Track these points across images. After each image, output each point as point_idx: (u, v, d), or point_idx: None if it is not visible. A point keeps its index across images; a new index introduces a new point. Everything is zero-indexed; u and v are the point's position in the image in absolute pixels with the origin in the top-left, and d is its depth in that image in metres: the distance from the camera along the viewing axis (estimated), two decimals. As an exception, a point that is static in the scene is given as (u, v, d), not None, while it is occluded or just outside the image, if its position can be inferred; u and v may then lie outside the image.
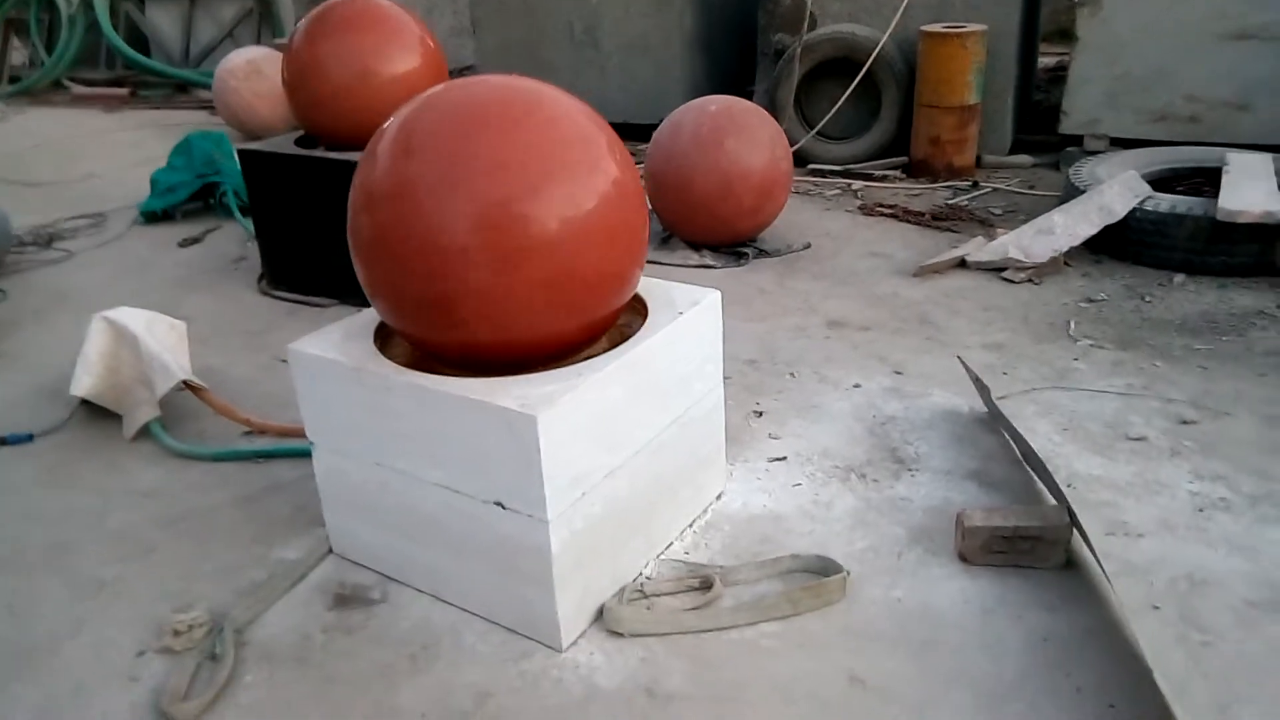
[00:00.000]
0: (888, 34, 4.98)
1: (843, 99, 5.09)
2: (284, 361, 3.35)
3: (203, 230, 4.86)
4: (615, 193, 1.96)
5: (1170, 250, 3.68)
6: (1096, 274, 3.77)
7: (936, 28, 4.87)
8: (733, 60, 6.31)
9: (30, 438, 2.91)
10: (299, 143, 3.92)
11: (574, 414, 1.85)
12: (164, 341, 2.87)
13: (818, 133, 5.21)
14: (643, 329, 2.09)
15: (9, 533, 2.48)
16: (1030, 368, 3.06)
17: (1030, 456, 2.44)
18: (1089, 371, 3.03)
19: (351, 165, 3.54)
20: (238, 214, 4.85)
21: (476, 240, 1.87)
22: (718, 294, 2.29)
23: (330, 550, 2.32)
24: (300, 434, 2.79)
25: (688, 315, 2.17)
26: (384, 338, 2.18)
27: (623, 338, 2.16)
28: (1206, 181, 3.95)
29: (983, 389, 2.67)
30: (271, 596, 2.17)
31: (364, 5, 3.76)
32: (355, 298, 3.71)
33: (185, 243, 4.71)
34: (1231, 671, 1.84)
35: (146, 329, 2.86)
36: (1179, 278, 3.64)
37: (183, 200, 5.06)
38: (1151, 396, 2.85)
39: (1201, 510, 2.32)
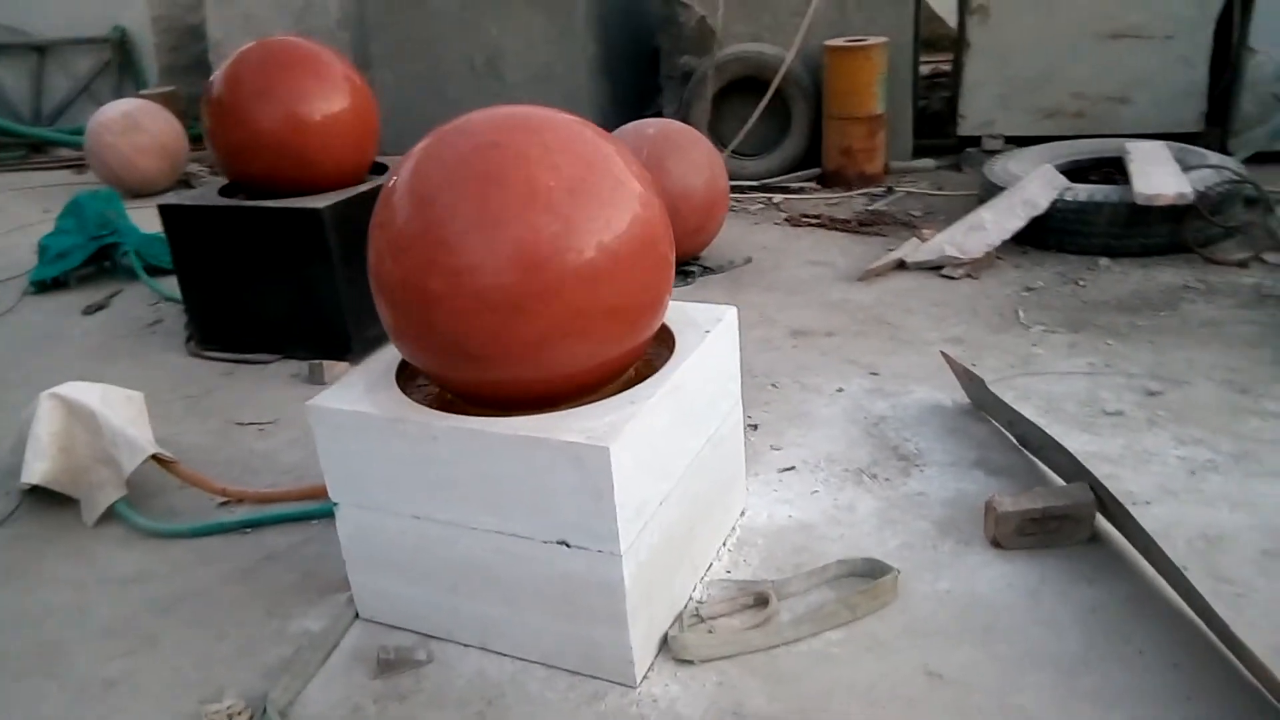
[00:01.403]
0: (794, 51, 5.13)
1: (755, 116, 5.20)
2: (241, 425, 3.20)
3: (106, 295, 4.55)
4: (645, 215, 1.94)
5: (1091, 236, 3.92)
6: (1027, 264, 3.97)
7: (840, 42, 5.05)
8: (633, 85, 6.37)
9: (-25, 534, 2.65)
10: (224, 192, 3.73)
11: (636, 443, 1.81)
12: (123, 415, 2.67)
13: (733, 151, 5.31)
14: (678, 351, 2.08)
15: (-20, 640, 2.25)
16: (995, 357, 3.19)
17: (1032, 439, 2.53)
18: (1049, 355, 3.18)
19: (284, 213, 3.47)
20: (143, 275, 4.57)
21: (511, 278, 1.82)
22: (734, 310, 2.29)
23: (357, 615, 2.20)
24: (283, 498, 2.68)
25: (714, 334, 2.16)
26: (401, 383, 2.09)
27: (645, 363, 2.14)
28: (1114, 170, 4.22)
29: (975, 380, 2.76)
30: (307, 671, 2.03)
31: (285, 46, 3.64)
32: (300, 351, 3.59)
33: (90, 310, 4.40)
34: (1271, 617, 1.96)
35: (102, 403, 2.65)
36: (1104, 261, 3.87)
37: (78, 265, 4.71)
38: (1114, 373, 3.02)
39: (1194, 473, 2.47)
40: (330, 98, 3.56)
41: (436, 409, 1.97)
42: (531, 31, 5.77)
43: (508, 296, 1.81)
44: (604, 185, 1.91)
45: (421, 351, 1.97)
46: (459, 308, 1.83)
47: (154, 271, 4.66)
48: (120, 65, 8.38)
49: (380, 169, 3.89)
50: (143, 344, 3.98)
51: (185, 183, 6.61)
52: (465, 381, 1.97)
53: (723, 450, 2.28)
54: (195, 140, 7.04)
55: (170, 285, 4.47)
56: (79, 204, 4.80)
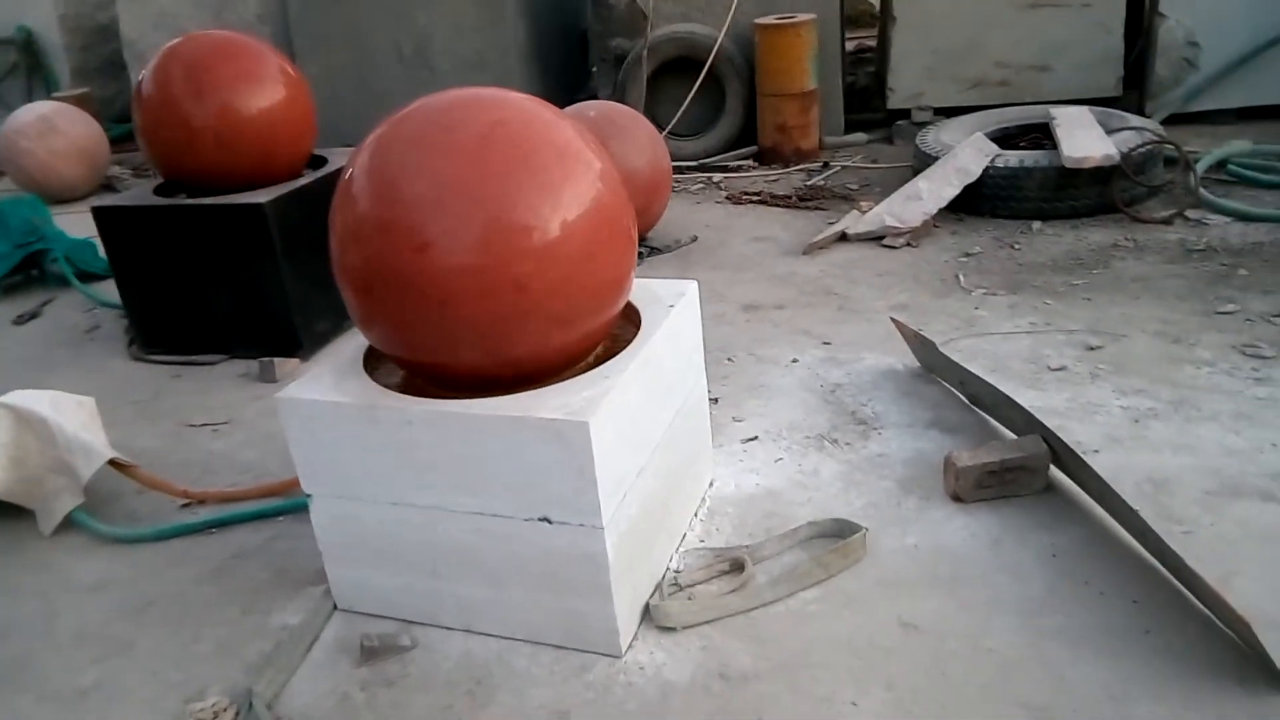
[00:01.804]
0: (724, 30, 5.18)
1: (689, 97, 5.25)
2: (194, 426, 3.15)
3: (37, 304, 4.41)
4: (607, 192, 1.96)
5: (1024, 200, 4.05)
6: (963, 230, 4.09)
7: (770, 20, 5.12)
8: (564, 69, 6.37)
9: (-75, 552, 2.57)
10: (159, 192, 3.64)
11: (614, 417, 1.84)
12: (76, 421, 2.61)
13: (670, 132, 5.34)
14: (645, 326, 2.11)
15: (-57, 659, 2.19)
16: (940, 320, 3.29)
17: (984, 397, 2.63)
18: (991, 317, 3.29)
19: (225, 210, 3.40)
20: (75, 281, 4.43)
21: (479, 259, 1.83)
22: (695, 284, 2.33)
23: (335, 606, 2.19)
24: (247, 496, 2.65)
25: (678, 308, 2.20)
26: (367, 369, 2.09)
27: (611, 339, 2.17)
28: (1042, 136, 4.36)
29: (926, 344, 2.85)
30: (290, 664, 2.02)
31: (216, 40, 3.58)
32: (247, 349, 3.53)
33: (21, 319, 4.26)
34: (1216, 552, 2.07)
35: (53, 410, 2.59)
36: (1036, 224, 4.01)
37: (4, 274, 4.56)
38: (1054, 330, 3.14)
39: (1137, 421, 2.58)
40: (265, 91, 3.50)
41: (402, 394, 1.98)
42: (461, 18, 5.73)
43: (476, 277, 1.82)
44: (567, 162, 1.92)
45: (390, 337, 1.97)
46: (427, 290, 1.83)
47: (85, 277, 4.53)
48: (29, 67, 8.08)
49: (319, 161, 3.84)
50: (82, 351, 3.88)
51: (108, 186, 6.41)
52: (436, 365, 1.97)
53: (690, 422, 2.32)
54: (114, 142, 6.85)
55: (104, 290, 4.37)
56: (1, 211, 4.63)
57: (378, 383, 2.03)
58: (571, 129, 2.00)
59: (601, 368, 1.95)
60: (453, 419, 1.86)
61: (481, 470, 1.88)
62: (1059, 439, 2.26)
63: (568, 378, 1.96)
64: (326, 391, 1.97)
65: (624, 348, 2.07)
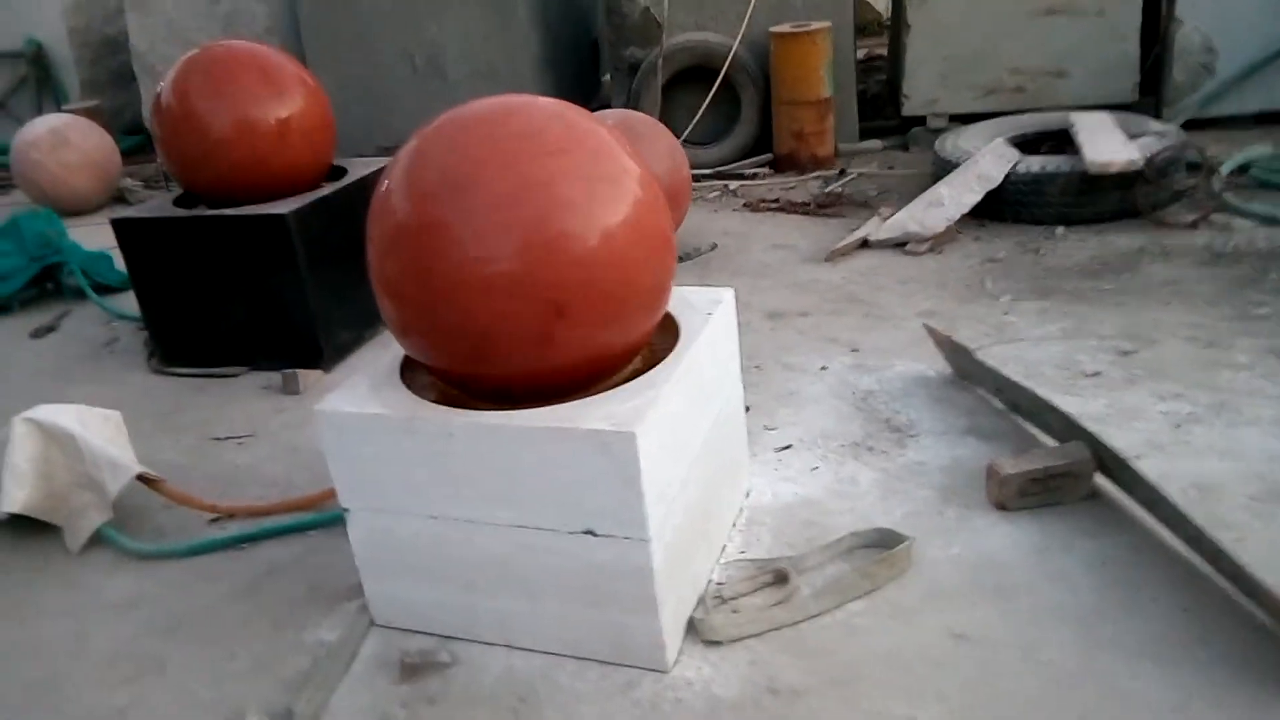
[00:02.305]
0: (739, 38, 5.17)
1: (705, 105, 5.23)
2: (218, 440, 3.12)
3: (54, 317, 4.39)
4: (646, 197, 1.94)
5: (1046, 206, 4.02)
6: (986, 236, 4.06)
7: (785, 28, 5.10)
8: (577, 78, 6.35)
9: (-50, 570, 2.54)
10: (178, 203, 3.62)
11: (659, 427, 1.81)
12: (103, 435, 2.58)
13: (685, 140, 5.32)
14: (684, 333, 2.08)
15: (-27, 678, 2.16)
16: (969, 327, 3.26)
17: (1022, 404, 2.59)
18: (1021, 323, 3.26)
19: (247, 221, 3.38)
20: (92, 293, 4.41)
21: (519, 267, 1.80)
22: (731, 292, 2.31)
23: (372, 622, 2.16)
24: (276, 510, 2.62)
25: (716, 315, 2.17)
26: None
27: (649, 349, 2.14)
28: (1063, 142, 4.34)
29: (960, 350, 2.82)
30: (329, 682, 1.99)
31: (235, 50, 3.56)
32: (269, 361, 3.50)
33: (39, 333, 4.23)
34: (1270, 558, 2.02)
35: (80, 424, 2.56)
36: (1059, 229, 3.98)
37: (20, 288, 4.54)
38: (1087, 336, 3.10)
39: (1178, 426, 2.55)
40: (284, 100, 3.49)
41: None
42: (473, 28, 5.72)
43: (517, 285, 1.80)
44: (607, 167, 1.90)
45: (428, 347, 1.94)
46: (467, 299, 1.81)
47: (101, 290, 4.51)
48: (38, 80, 8.08)
49: (339, 172, 3.82)
50: (101, 364, 3.85)
51: (120, 199, 6.40)
52: (475, 375, 1.94)
53: (728, 431, 2.29)
54: (125, 155, 6.83)
55: (120, 303, 4.35)
56: (16, 225, 4.61)
57: (414, 394, 2.01)
58: (608, 134, 1.98)
59: (645, 377, 1.92)
60: (494, 431, 1.83)
61: (523, 483, 1.85)
62: (1105, 445, 2.23)
63: (608, 388, 1.93)
64: (364, 403, 1.94)
65: (661, 357, 2.05)
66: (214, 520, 2.64)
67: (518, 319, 1.82)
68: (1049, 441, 2.51)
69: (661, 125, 4.11)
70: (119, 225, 3.53)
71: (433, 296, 1.84)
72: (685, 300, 2.23)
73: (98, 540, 2.56)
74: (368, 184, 3.75)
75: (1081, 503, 2.28)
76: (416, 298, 1.86)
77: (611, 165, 1.91)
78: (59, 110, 7.28)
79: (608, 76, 6.74)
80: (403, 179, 1.89)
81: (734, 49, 5.16)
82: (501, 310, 1.81)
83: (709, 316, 2.15)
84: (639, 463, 1.73)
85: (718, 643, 1.98)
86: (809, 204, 4.68)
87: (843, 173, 5.13)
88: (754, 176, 5.25)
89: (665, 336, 2.14)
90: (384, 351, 2.22)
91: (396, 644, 2.08)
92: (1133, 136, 4.08)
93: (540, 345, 1.85)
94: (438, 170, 1.86)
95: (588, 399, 1.87)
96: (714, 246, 4.26)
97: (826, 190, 4.89)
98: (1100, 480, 2.31)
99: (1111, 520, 2.22)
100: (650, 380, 1.90)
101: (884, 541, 2.19)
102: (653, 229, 1.94)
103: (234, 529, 2.58)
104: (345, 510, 2.05)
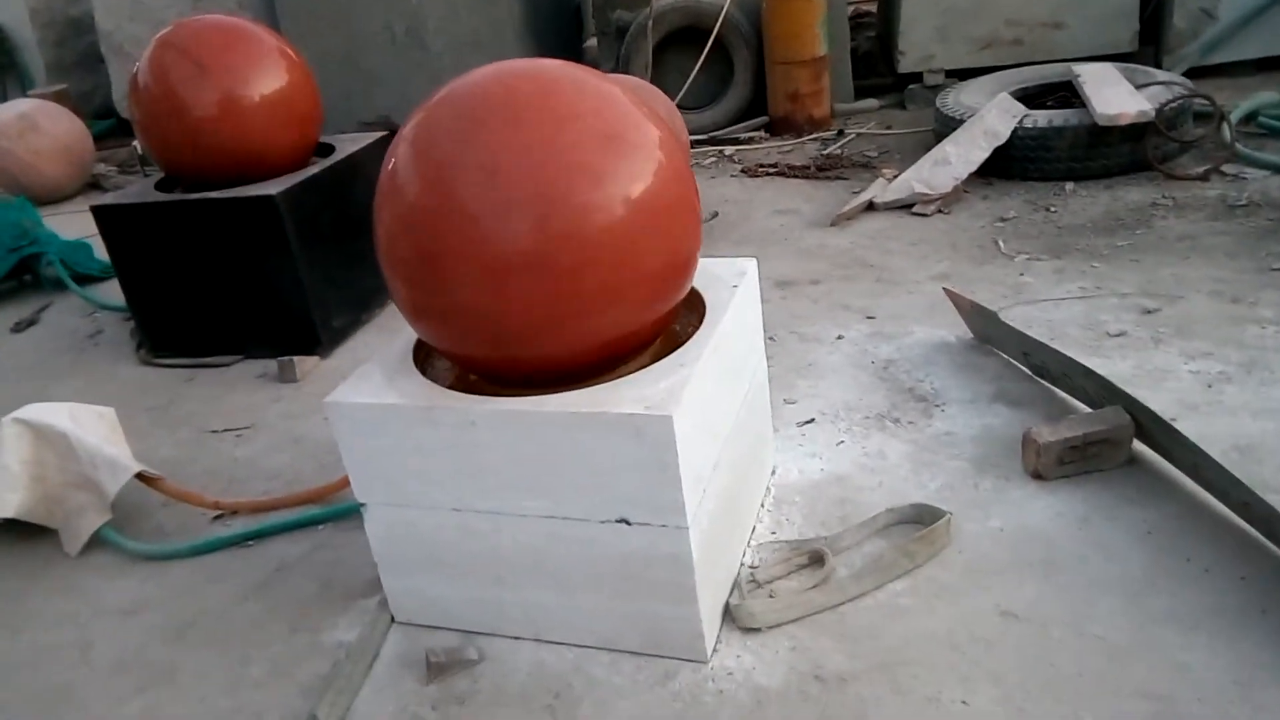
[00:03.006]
0: (730, -3, 5.03)
1: (697, 67, 5.09)
2: (215, 432, 3.01)
3: (34, 310, 4.24)
4: (670, 168, 1.82)
5: (1055, 161, 3.93)
6: (994, 195, 3.96)
7: (778, -15, 4.96)
8: (560, 46, 6.19)
9: (-57, 579, 2.43)
10: (160, 187, 3.48)
11: (693, 408, 1.72)
12: (97, 433, 2.46)
13: (677, 105, 5.18)
14: (711, 308, 1.98)
15: (-25, 694, 2.06)
16: (986, 289, 3.17)
17: (1052, 368, 2.51)
18: (1039, 283, 3.17)
19: (235, 203, 3.24)
20: (72, 284, 4.26)
21: (540, 243, 1.69)
22: (754, 262, 2.21)
23: (393, 619, 2.07)
24: (281, 505, 2.52)
25: (741, 288, 2.07)
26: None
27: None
28: (1067, 94, 4.24)
29: (984, 314, 2.73)
30: (352, 685, 1.90)
31: (212, 24, 3.40)
32: (263, 349, 3.37)
33: (19, 326, 4.09)
34: (1321, 521, 1.97)
35: (73, 423, 2.44)
36: (1069, 185, 3.89)
37: (-3, 281, 4.39)
38: (1107, 295, 3.02)
39: (1210, 386, 2.48)
40: (268, 76, 3.34)
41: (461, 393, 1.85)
42: (455, -3, 5.54)
43: (536, 262, 1.68)
44: (625, 131, 1.77)
45: (444, 333, 1.83)
46: (484, 279, 1.70)
47: (81, 280, 4.36)
48: (4, 66, 7.82)
49: (326, 149, 3.68)
50: (86, 358, 3.72)
51: (94, 185, 6.21)
52: (494, 359, 1.84)
53: (754, 408, 2.20)
54: (98, 139, 6.63)
55: (102, 292, 4.21)
56: (-11, 215, 4.45)
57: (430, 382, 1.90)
58: (623, 93, 1.86)
59: (674, 355, 1.82)
60: (520, 418, 1.73)
61: (551, 471, 1.75)
62: (1145, 408, 2.15)
63: (634, 369, 1.84)
64: (379, 393, 1.84)
65: (681, 332, 1.95)
66: (217, 518, 2.54)
67: (539, 298, 1.71)
68: (1080, 407, 2.43)
69: (657, 89, 3.98)
70: (100, 212, 3.38)
71: (448, 277, 1.72)
72: (708, 272, 2.13)
73: (97, 542, 2.45)
74: (357, 161, 3.62)
75: (1121, 469, 2.21)
76: (430, 279, 1.75)
77: (631, 127, 1.79)
78: (25, 95, 7.04)
79: (590, 41, 6.57)
80: (410, 157, 1.77)
81: (725, 7, 5.01)
82: (521, 289, 1.70)
83: (734, 289, 2.05)
84: (675, 447, 1.64)
85: (756, 629, 1.90)
86: (809, 167, 4.57)
87: (841, 134, 5.02)
88: (750, 141, 5.13)
89: (685, 310, 2.04)
90: (390, 336, 2.11)
91: (420, 642, 1.99)
92: (1139, 87, 3.98)
93: (563, 326, 1.75)
94: (444, 146, 1.74)
95: (615, 381, 1.77)
96: (715, 215, 4.15)
97: (825, 152, 4.77)
98: (1138, 446, 2.24)
99: (1153, 487, 2.15)
100: (680, 359, 1.80)
101: (921, 517, 2.12)
102: (678, 196, 1.83)
103: (238, 526, 2.48)
104: (362, 505, 1.95)
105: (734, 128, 5.24)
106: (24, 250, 4.40)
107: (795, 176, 4.51)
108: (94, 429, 2.47)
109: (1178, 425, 2.31)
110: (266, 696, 1.93)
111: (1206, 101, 3.90)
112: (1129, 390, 2.24)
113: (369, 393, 1.85)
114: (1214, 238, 3.31)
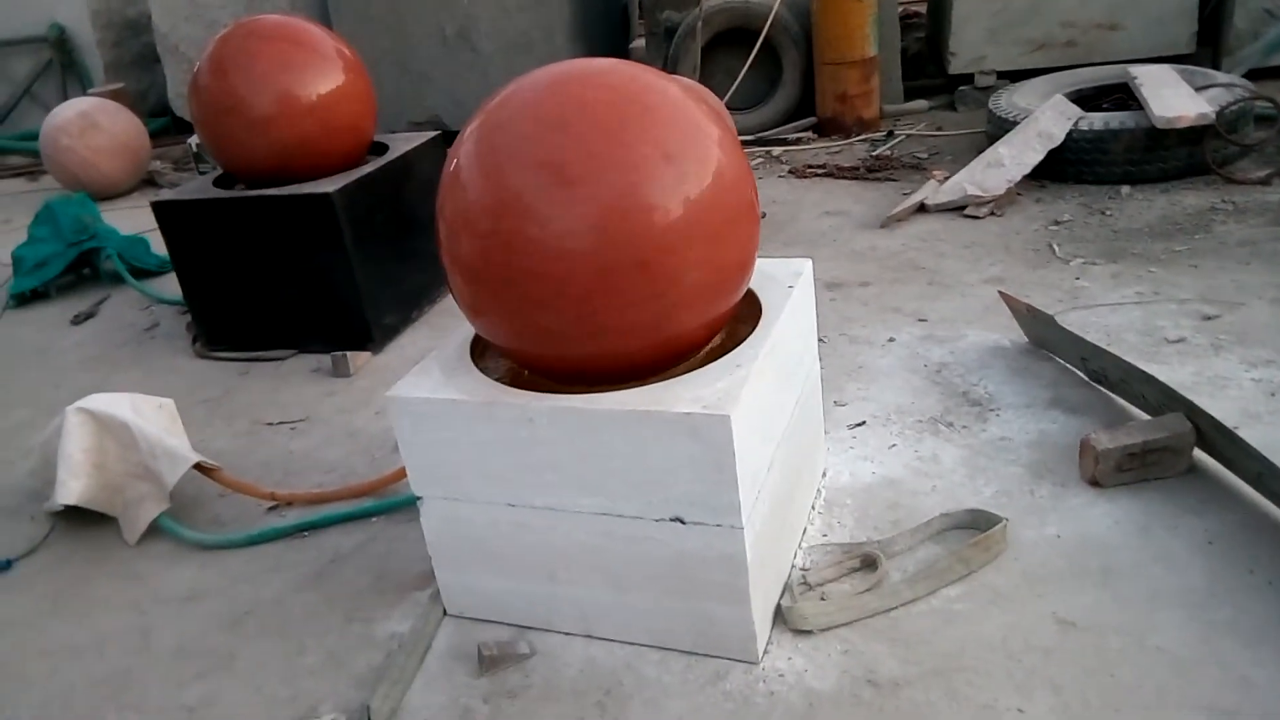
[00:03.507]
0: (779, -2, 5.01)
1: (745, 67, 5.08)
2: (271, 425, 3.06)
3: (93, 303, 4.34)
4: (729, 163, 1.82)
5: (1110, 165, 3.87)
6: (1048, 198, 3.91)
7: (827, -14, 4.93)
8: (609, 48, 6.20)
9: (9, 564, 2.49)
10: (219, 184, 3.54)
11: (750, 409, 1.72)
12: (158, 424, 2.52)
13: (725, 105, 5.17)
14: (768, 308, 1.98)
15: (37, 676, 2.11)
16: (1040, 293, 3.13)
17: (1111, 373, 2.47)
18: (1095, 288, 3.13)
19: (291, 200, 3.29)
20: (129, 278, 4.35)
21: (598, 242, 1.70)
22: (810, 263, 2.20)
23: (445, 612, 2.09)
24: (337, 497, 2.55)
25: (797, 289, 2.07)
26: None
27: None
28: (1123, 96, 4.17)
29: (1040, 318, 2.69)
30: (405, 676, 1.92)
31: (270, 24, 3.46)
32: (316, 343, 3.42)
33: (79, 319, 4.18)
34: (1391, 535, 1.92)
35: (134, 413, 2.50)
36: (1125, 189, 3.83)
37: (58, 274, 4.49)
38: (1165, 300, 2.97)
39: (1274, 395, 2.43)
40: (325, 75, 3.39)
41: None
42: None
43: (596, 261, 1.69)
44: (685, 131, 1.78)
45: (505, 330, 1.84)
46: (544, 277, 1.71)
47: (138, 274, 4.46)
48: (63, 65, 8.01)
49: (380, 148, 3.72)
50: (144, 350, 3.80)
51: (150, 182, 6.34)
52: (552, 356, 1.85)
53: (807, 409, 2.19)
54: (153, 137, 6.76)
55: (158, 286, 4.30)
56: (52, 210, 4.55)
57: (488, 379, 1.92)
58: (682, 94, 1.86)
59: (730, 355, 1.82)
60: (577, 415, 1.74)
61: (607, 469, 1.76)
62: (1208, 415, 2.11)
63: (691, 368, 1.84)
64: (439, 389, 1.86)
65: (736, 331, 1.95)
66: (272, 508, 2.58)
67: (595, 298, 1.72)
68: (1139, 414, 2.39)
69: (707, 90, 3.96)
70: (161, 208, 3.45)
71: (511, 275, 1.73)
72: (763, 272, 2.13)
73: (156, 531, 2.50)
74: (410, 160, 3.66)
75: (1181, 478, 2.17)
76: (493, 276, 1.76)
77: (691, 127, 1.80)
78: (85, 94, 7.21)
79: (637, 42, 6.58)
80: (472, 156, 1.78)
81: (775, 8, 4.99)
82: (585, 288, 1.71)
83: (790, 290, 2.05)
84: (733, 447, 1.64)
85: (808, 632, 1.89)
86: (858, 168, 4.54)
87: (890, 135, 4.98)
88: (798, 141, 5.11)
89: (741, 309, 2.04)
90: (439, 333, 2.13)
91: (472, 635, 2.01)
92: (1199, 89, 3.90)
93: (620, 325, 1.75)
94: (507, 144, 1.75)
95: (672, 380, 1.77)
96: (764, 215, 4.13)
97: (875, 153, 4.74)
98: (1199, 455, 2.20)
99: (1214, 496, 2.11)
100: (737, 359, 1.80)
101: (976, 523, 2.09)
102: (737, 196, 1.83)
103: (293, 517, 2.52)
104: (418, 498, 1.97)
105: (782, 128, 5.22)
106: (84, 245, 4.51)
107: (844, 178, 4.48)
108: (155, 419, 2.53)
109: (1239, 433, 2.27)
110: (321, 685, 1.96)
111: (1269, 104, 3.81)
112: (1190, 397, 2.21)
113: (429, 388, 1.87)
114: (1276, 243, 3.24)
